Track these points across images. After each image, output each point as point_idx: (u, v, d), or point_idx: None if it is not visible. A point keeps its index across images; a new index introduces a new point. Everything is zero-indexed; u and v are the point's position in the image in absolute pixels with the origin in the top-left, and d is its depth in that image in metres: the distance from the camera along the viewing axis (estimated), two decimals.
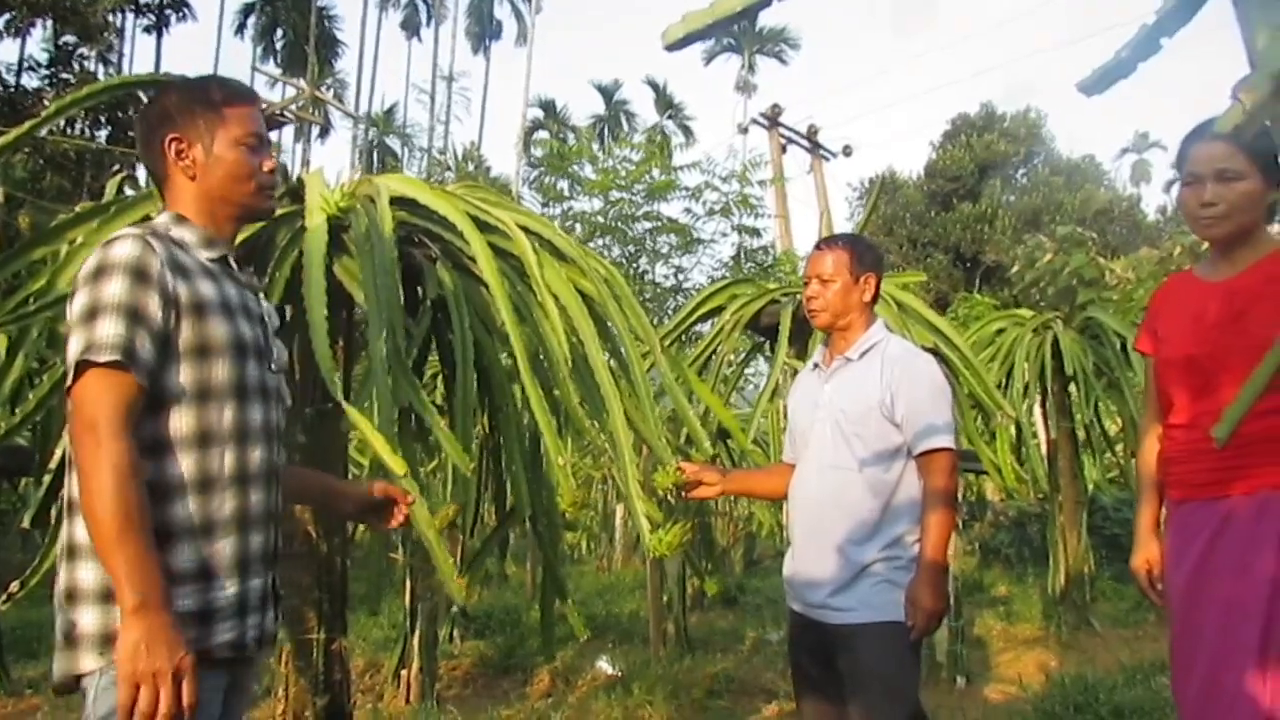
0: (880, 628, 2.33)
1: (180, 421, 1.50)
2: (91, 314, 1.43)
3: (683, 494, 2.53)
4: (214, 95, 1.64)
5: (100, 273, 1.46)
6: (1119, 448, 7.35)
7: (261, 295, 1.76)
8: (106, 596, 1.43)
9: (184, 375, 1.50)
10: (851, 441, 2.41)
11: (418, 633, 4.82)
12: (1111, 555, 8.84)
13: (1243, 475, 1.91)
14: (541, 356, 2.78)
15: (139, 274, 1.46)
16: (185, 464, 1.49)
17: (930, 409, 2.39)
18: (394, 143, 37.28)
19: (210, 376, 1.52)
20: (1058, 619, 6.25)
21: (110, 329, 1.42)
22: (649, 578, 6.08)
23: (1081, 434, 6.48)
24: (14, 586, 2.21)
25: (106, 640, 1.42)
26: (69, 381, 1.43)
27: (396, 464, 1.90)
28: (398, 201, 2.75)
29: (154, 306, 1.46)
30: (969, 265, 28.18)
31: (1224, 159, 2.01)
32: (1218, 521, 1.95)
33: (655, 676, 4.95)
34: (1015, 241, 26.65)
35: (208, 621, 1.49)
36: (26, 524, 2.31)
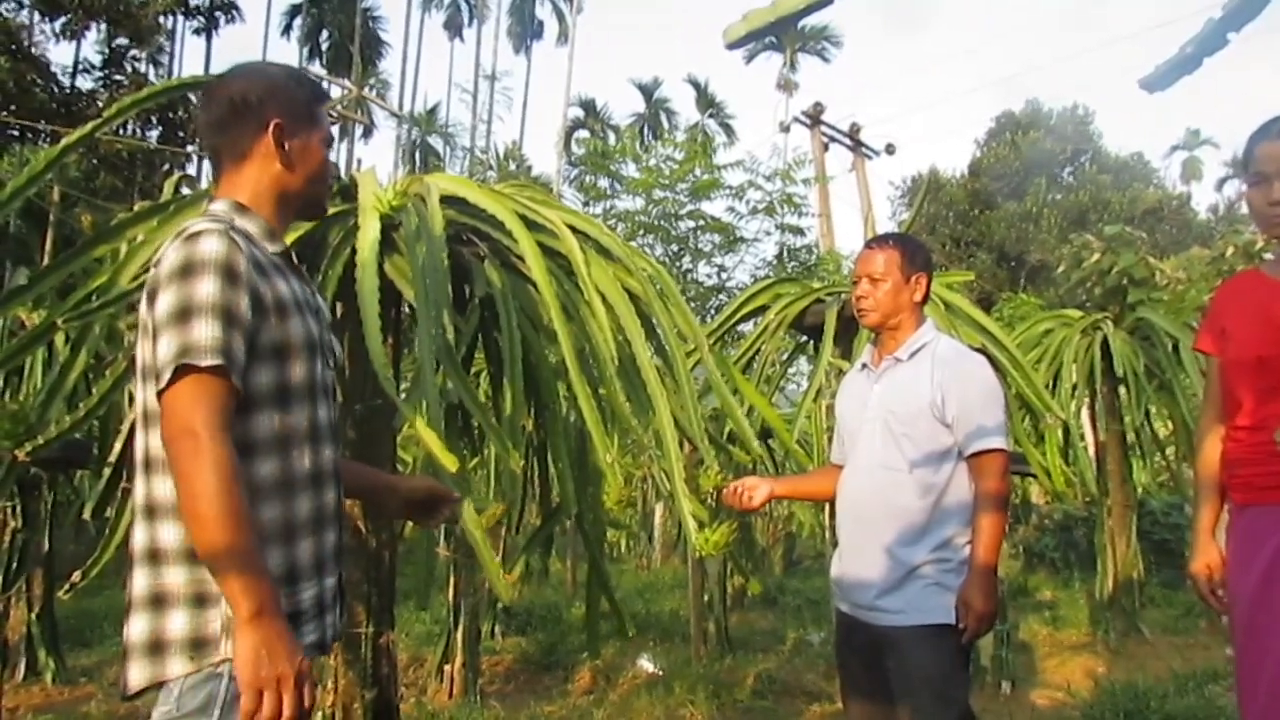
0: (929, 631, 2.30)
1: (264, 423, 1.47)
2: (185, 314, 1.39)
3: (734, 505, 2.52)
4: (312, 89, 1.63)
5: (189, 270, 1.41)
6: (1169, 451, 7.21)
7: (315, 287, 1.73)
8: (198, 600, 1.40)
9: (266, 376, 1.47)
10: (901, 442, 2.39)
11: (461, 628, 4.85)
12: (1160, 561, 8.69)
13: None
14: (588, 354, 2.79)
15: (230, 273, 1.42)
16: (270, 466, 1.47)
17: (981, 410, 2.36)
18: (436, 142, 37.58)
19: (290, 377, 1.50)
20: (1105, 625, 6.15)
21: (208, 331, 1.38)
22: (690, 577, 6.07)
23: (1131, 437, 6.36)
24: (76, 576, 2.26)
25: (197, 645, 1.40)
26: (162, 384, 1.38)
27: (449, 461, 1.91)
28: (447, 200, 2.78)
29: (244, 307, 1.43)
30: (1013, 265, 27.80)
31: None
32: None
33: (697, 676, 4.95)
34: (1061, 241, 26.26)
35: (297, 623, 1.47)
36: (88, 515, 2.36)
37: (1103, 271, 15.92)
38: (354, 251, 2.48)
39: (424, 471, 3.10)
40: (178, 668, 1.39)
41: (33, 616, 5.23)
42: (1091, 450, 6.44)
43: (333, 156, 1.73)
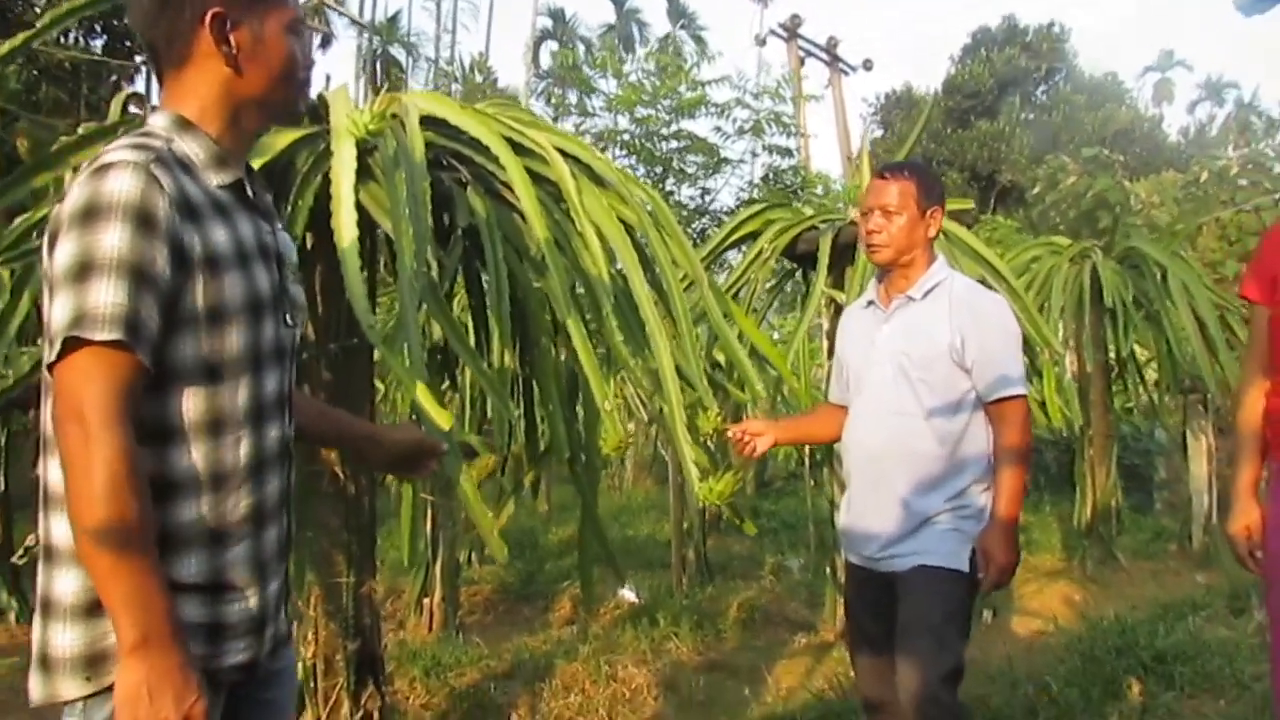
0: (939, 574, 2.22)
1: (188, 404, 1.21)
2: (82, 271, 1.12)
3: (739, 453, 2.39)
4: None
5: (92, 214, 1.13)
6: (1150, 380, 7.20)
7: (278, 224, 1.41)
8: (91, 610, 1.18)
9: (190, 347, 1.21)
10: (917, 387, 2.26)
11: (439, 561, 4.74)
12: (1130, 485, 8.76)
13: None
14: (580, 289, 2.61)
15: (143, 220, 1.14)
16: (193, 457, 1.22)
17: (1002, 354, 2.24)
18: (399, 53, 36.37)
19: (223, 347, 1.23)
20: (1082, 552, 6.17)
21: (108, 295, 1.11)
22: (671, 504, 5.99)
23: (1115, 367, 6.32)
24: (30, 540, 2.07)
25: (91, 662, 1.18)
26: (51, 356, 1.13)
27: (442, 418, 1.74)
28: (426, 121, 2.54)
29: (161, 263, 1.15)
30: (984, 185, 27.64)
31: None
32: None
33: (679, 606, 4.90)
34: (1033, 161, 26.07)
35: (218, 639, 1.25)
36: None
37: (1078, 194, 15.89)
38: (326, 179, 2.26)
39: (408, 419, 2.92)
40: (70, 689, 1.18)
41: None
42: (1067, 377, 6.39)
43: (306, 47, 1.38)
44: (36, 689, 1.19)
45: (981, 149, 27.01)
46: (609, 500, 10.72)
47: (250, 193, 1.33)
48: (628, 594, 5.36)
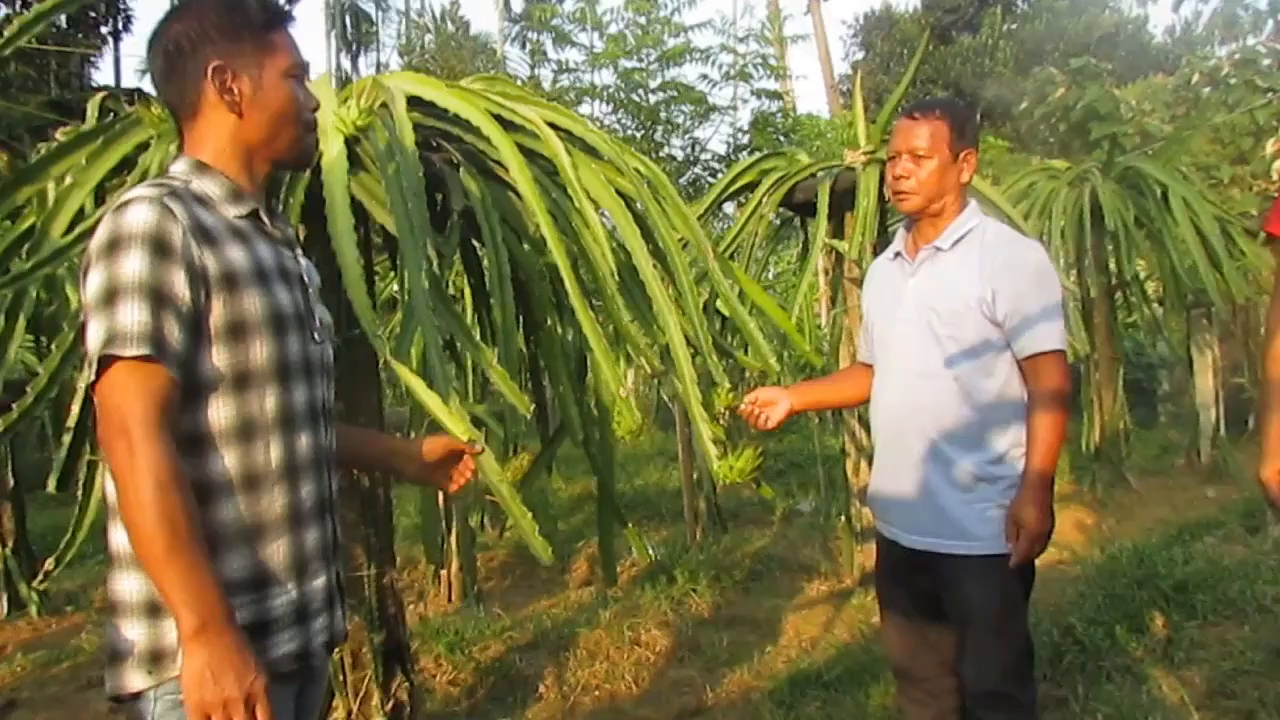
0: (989, 562, 2.13)
1: (219, 412, 1.32)
2: (109, 297, 1.24)
3: (754, 423, 2.33)
4: (258, 16, 1.40)
5: (114, 246, 1.25)
6: (1154, 304, 7.17)
7: (299, 251, 1.52)
8: (152, 610, 1.30)
9: (219, 359, 1.32)
10: (945, 344, 2.15)
11: (454, 532, 4.74)
12: (1134, 400, 8.77)
13: None
14: (582, 269, 2.55)
15: (159, 246, 1.26)
16: (228, 460, 1.33)
17: (1038, 306, 2.10)
18: (368, 4, 35.50)
19: (249, 358, 1.34)
20: (1092, 476, 6.19)
21: (133, 315, 1.23)
22: (680, 456, 5.98)
23: (1118, 286, 6.28)
24: (49, 564, 2.05)
25: (155, 658, 1.29)
26: (91, 376, 1.26)
27: (458, 427, 1.69)
28: (411, 101, 2.46)
29: (180, 284, 1.27)
30: (970, 101, 27.27)
31: None
32: None
33: (696, 561, 4.91)
34: (1017, 74, 25.65)
35: (266, 633, 1.35)
36: (53, 487, 2.13)
37: (1067, 107, 15.64)
38: (316, 173, 2.18)
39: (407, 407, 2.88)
40: (137, 681, 1.30)
41: (7, 551, 5.04)
42: (1071, 305, 6.35)
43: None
44: (109, 681, 1.33)
45: (965, 64, 26.58)
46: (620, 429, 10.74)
47: (269, 223, 1.44)
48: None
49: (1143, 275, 7.29)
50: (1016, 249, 2.19)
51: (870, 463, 2.51)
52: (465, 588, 4.72)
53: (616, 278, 2.41)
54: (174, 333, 1.26)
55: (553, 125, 2.52)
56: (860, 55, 29.23)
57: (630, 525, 2.89)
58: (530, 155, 2.52)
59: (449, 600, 4.77)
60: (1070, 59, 17.26)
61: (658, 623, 4.08)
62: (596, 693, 3.52)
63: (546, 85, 7.69)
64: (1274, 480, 2.02)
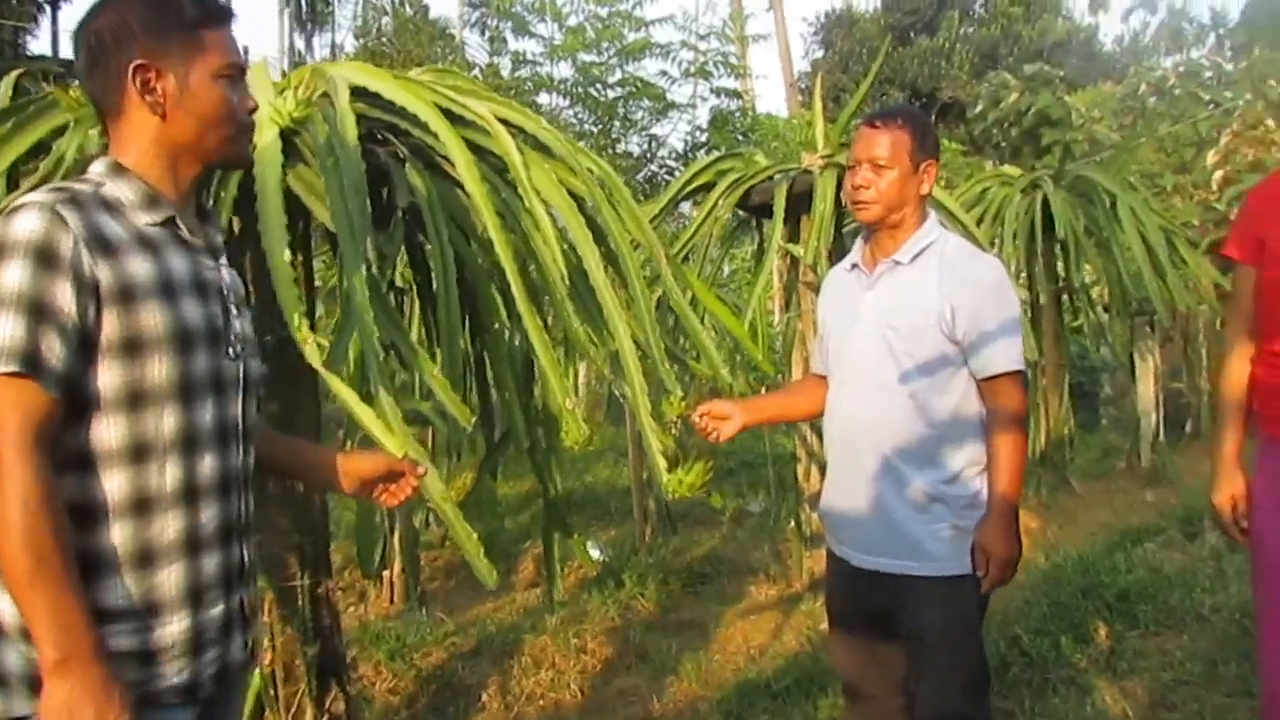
0: (945, 583, 2.09)
1: (109, 432, 1.24)
2: None
3: (706, 438, 2.27)
4: (188, 13, 1.32)
5: None
6: (1100, 309, 7.25)
7: (223, 260, 1.43)
8: (29, 634, 1.21)
9: (110, 377, 1.24)
10: (902, 360, 2.10)
11: (397, 533, 4.62)
12: (1077, 404, 8.87)
13: None
14: (533, 271, 2.46)
15: (44, 257, 1.18)
16: (117, 481, 1.25)
17: (997, 324, 2.06)
18: None
19: (145, 376, 1.25)
20: (1037, 480, 6.24)
21: (8, 330, 1.16)
22: (630, 454, 5.91)
23: (1066, 297, 6.34)
24: None
25: (34, 684, 1.21)
26: None
27: (395, 443, 1.60)
28: (356, 92, 2.35)
29: (64, 298, 1.19)
30: (925, 102, 27.52)
31: None
32: None
33: (645, 564, 4.85)
34: (973, 77, 25.94)
35: (152, 663, 1.29)
36: None
37: (1020, 112, 15.87)
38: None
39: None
40: (21, 706, 1.23)
41: None
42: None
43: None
44: None
45: (922, 66, 26.78)
46: (567, 439, 10.66)
47: (189, 231, 1.36)
48: (592, 551, 5.30)
49: (1089, 282, 7.38)
50: (976, 265, 2.15)
51: (821, 469, 2.47)
52: (408, 589, 4.61)
53: (567, 281, 2.33)
54: (54, 349, 1.18)
55: (504, 121, 2.42)
56: (820, 53, 29.35)
57: (576, 536, 2.81)
58: (480, 152, 2.43)
59: (391, 602, 4.65)
60: (1024, 65, 17.50)
61: (605, 629, 4.01)
62: (541, 702, 3.44)
63: (505, 74, 7.56)
64: (1226, 505, 2.01)
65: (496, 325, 2.58)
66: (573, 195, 2.48)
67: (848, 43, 28.08)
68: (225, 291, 1.40)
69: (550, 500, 2.63)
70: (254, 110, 1.40)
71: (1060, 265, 6.14)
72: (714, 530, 6.06)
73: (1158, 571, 4.10)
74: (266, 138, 1.93)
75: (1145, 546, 4.76)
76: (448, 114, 2.34)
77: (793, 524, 4.65)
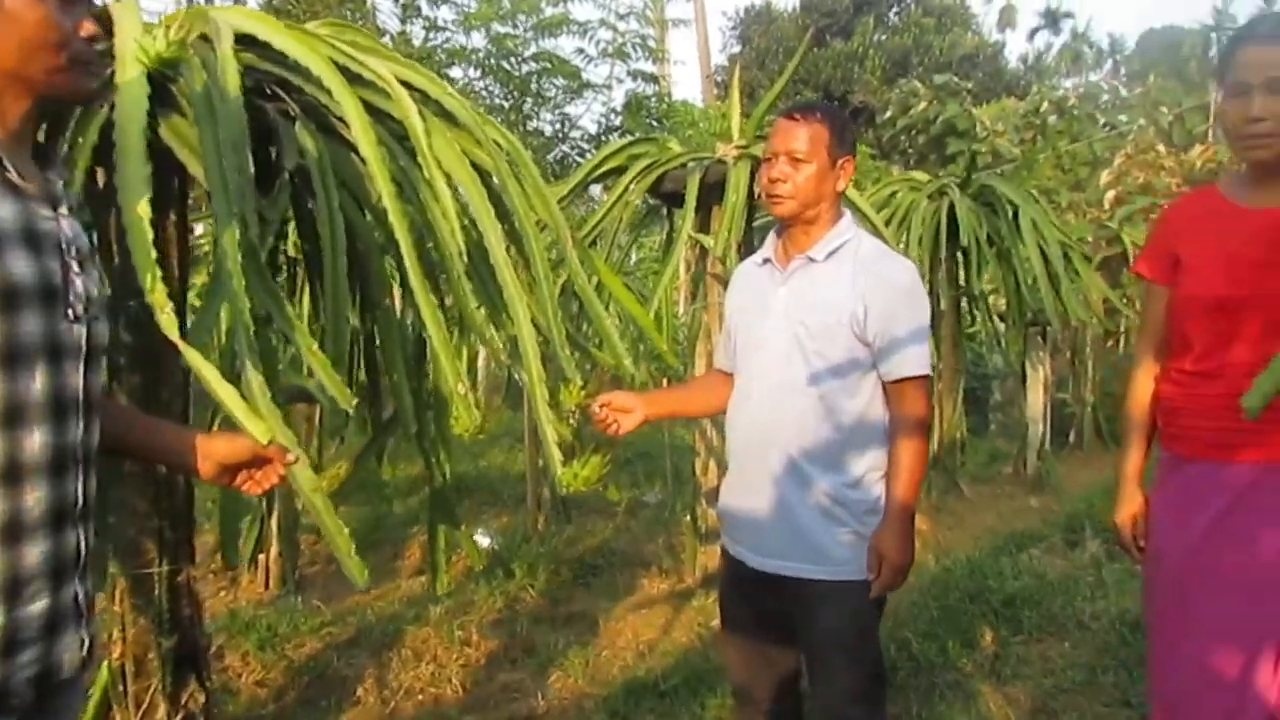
0: (844, 588, 2.05)
1: None
2: None
3: (605, 430, 2.17)
4: None
5: None
6: (999, 319, 7.41)
7: (65, 210, 1.26)
8: None
9: None
10: (812, 359, 2.05)
11: (275, 514, 4.38)
12: (968, 409, 9.09)
13: (1266, 442, 1.68)
14: (430, 246, 2.31)
15: None
16: None
17: (907, 328, 2.03)
18: None
19: None
20: (929, 482, 6.33)
21: None
22: (526, 441, 5.77)
23: (965, 303, 6.44)
24: None
25: None
26: None
27: (259, 427, 1.44)
28: (242, 40, 2.15)
29: None
30: (837, 104, 27.97)
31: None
32: (1233, 491, 1.73)
33: (535, 554, 4.73)
34: (884, 83, 26.45)
35: None
36: None
37: (928, 120, 16.25)
38: (113, 110, 1.86)
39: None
40: None
41: None
42: None
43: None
44: None
45: (835, 69, 27.17)
46: (457, 427, 10.40)
47: (17, 174, 1.19)
48: (482, 540, 5.15)
49: (987, 290, 7.53)
50: (891, 267, 2.10)
51: (719, 464, 2.41)
52: (285, 574, 4.39)
53: (465, 258, 2.18)
54: None
55: (406, 85, 2.27)
56: (738, 48, 29.50)
57: (463, 527, 2.67)
58: (378, 116, 2.27)
59: (266, 587, 4.42)
60: (934, 75, 17.93)
61: (491, 620, 3.88)
62: (420, 697, 3.29)
63: (418, 43, 7.28)
64: (1127, 524, 1.99)
65: (388, 301, 2.43)
66: (477, 168, 2.33)
67: (765, 40, 28.30)
68: (65, 245, 1.24)
69: (437, 489, 2.48)
70: (94, 39, 1.24)
71: (961, 272, 6.23)
72: (608, 520, 5.96)
73: (1042, 578, 4.17)
74: (129, 74, 1.73)
75: (1030, 552, 4.85)
76: (345, 71, 2.17)
77: (688, 518, 4.58)
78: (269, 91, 2.32)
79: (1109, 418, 8.62)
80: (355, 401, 1.85)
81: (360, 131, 2.05)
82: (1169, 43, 31.34)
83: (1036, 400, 7.63)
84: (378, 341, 2.53)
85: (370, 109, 2.22)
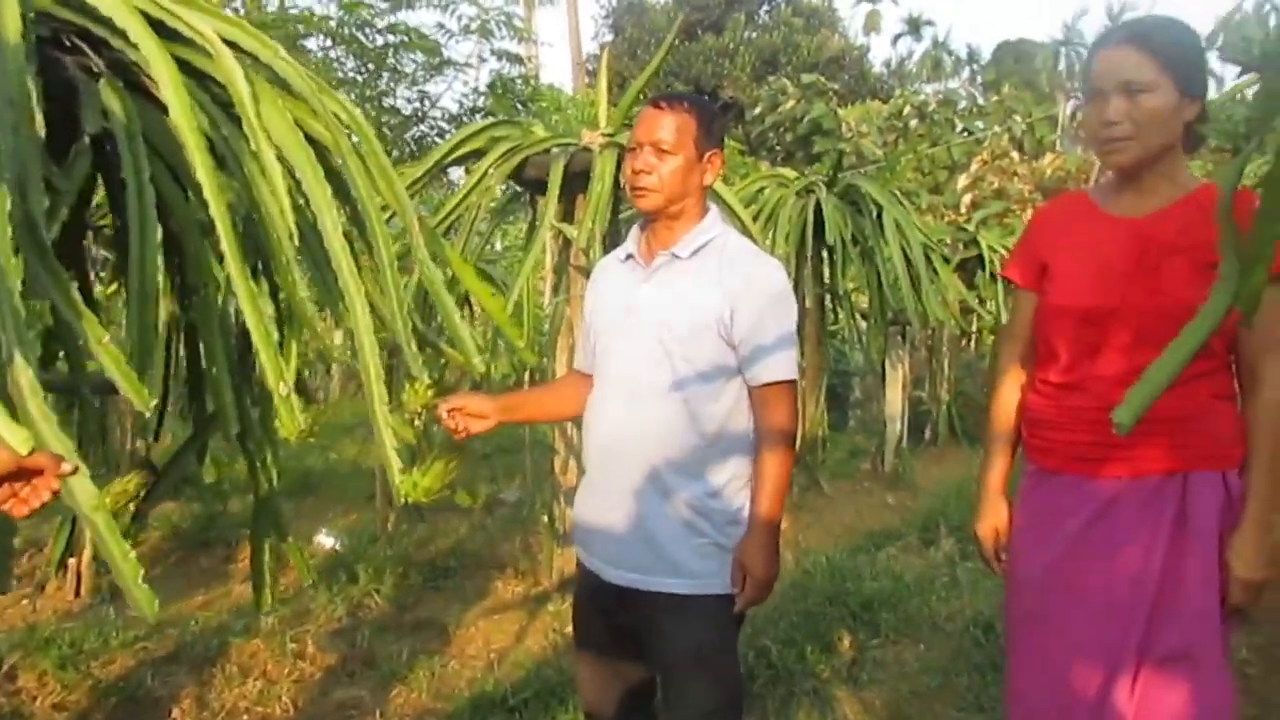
0: (702, 603, 1.95)
1: None
2: None
3: (453, 435, 2.01)
4: None
5: None
6: (861, 318, 7.54)
7: None
8: None
9: None
10: (676, 362, 1.94)
11: None
12: (829, 405, 9.27)
13: (1132, 455, 1.65)
14: (256, 224, 2.09)
15: None
16: None
17: (775, 332, 1.94)
18: None
19: None
20: (790, 480, 6.38)
21: None
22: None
23: (829, 301, 6.51)
24: None
25: None
26: None
27: (18, 436, 1.21)
28: None
29: None
30: (707, 98, 28.26)
31: (1131, 68, 1.66)
32: (1097, 505, 1.70)
33: (383, 556, 4.50)
34: (753, 80, 26.89)
35: None
36: None
37: (795, 119, 16.59)
38: None
39: None
40: None
41: None
42: None
43: None
44: None
45: (706, 64, 27.44)
46: (311, 416, 9.94)
47: None
48: (325, 540, 4.88)
49: (851, 289, 7.66)
50: (759, 267, 2.01)
51: (580, 462, 2.29)
52: (98, 581, 4.02)
53: (295, 241, 1.98)
54: None
55: (234, 45, 2.04)
56: (610, 38, 29.43)
57: (291, 540, 2.45)
58: (203, 80, 2.04)
59: (76, 595, 4.04)
60: (802, 74, 18.29)
61: (329, 631, 3.64)
62: (245, 717, 3.03)
63: (272, 8, 6.86)
64: (988, 536, 1.96)
65: (209, 286, 2.19)
66: (313, 143, 2.12)
67: (637, 31, 28.35)
68: None
69: (262, 496, 2.26)
70: None
71: (826, 270, 6.29)
72: (464, 519, 5.77)
73: (899, 579, 4.21)
74: None
75: (887, 550, 4.92)
76: (160, 27, 1.93)
77: (546, 518, 4.44)
78: (69, 44, 2.05)
79: (962, 415, 8.93)
80: (154, 402, 1.62)
81: (171, 92, 1.82)
82: (1022, 54, 33.08)
83: (895, 398, 7.82)
84: (198, 333, 2.29)
85: (190, 71, 2.00)
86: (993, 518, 1.94)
